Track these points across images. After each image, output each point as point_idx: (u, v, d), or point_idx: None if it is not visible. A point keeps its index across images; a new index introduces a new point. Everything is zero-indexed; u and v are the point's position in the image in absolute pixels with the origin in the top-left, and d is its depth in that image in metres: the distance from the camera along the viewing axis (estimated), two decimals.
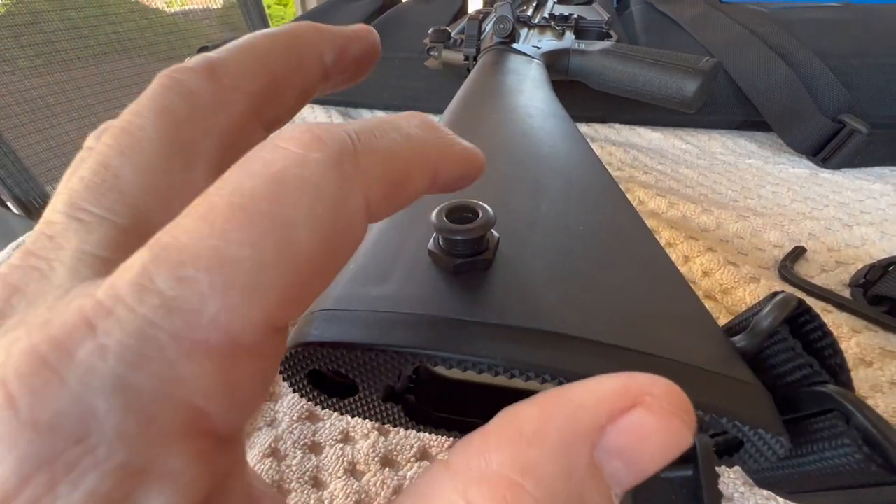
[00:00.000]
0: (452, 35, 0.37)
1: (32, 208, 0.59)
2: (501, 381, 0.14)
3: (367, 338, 0.11)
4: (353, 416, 0.14)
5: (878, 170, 0.35)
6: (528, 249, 0.14)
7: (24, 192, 0.59)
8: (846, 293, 0.23)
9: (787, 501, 0.14)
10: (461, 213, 0.12)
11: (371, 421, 0.13)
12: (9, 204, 0.57)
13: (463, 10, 0.57)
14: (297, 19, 0.50)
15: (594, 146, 0.39)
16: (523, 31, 0.38)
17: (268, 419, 0.18)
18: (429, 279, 0.12)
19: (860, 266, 0.24)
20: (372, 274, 0.13)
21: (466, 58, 0.35)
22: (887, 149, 0.35)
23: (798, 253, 0.25)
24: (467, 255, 0.12)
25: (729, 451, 0.11)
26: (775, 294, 0.12)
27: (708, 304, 0.23)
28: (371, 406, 0.13)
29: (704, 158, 0.37)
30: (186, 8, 1.02)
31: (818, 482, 0.11)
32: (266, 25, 1.13)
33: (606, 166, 0.36)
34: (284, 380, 0.13)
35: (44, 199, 0.61)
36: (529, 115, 0.23)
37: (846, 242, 0.27)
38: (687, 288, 0.13)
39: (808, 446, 0.11)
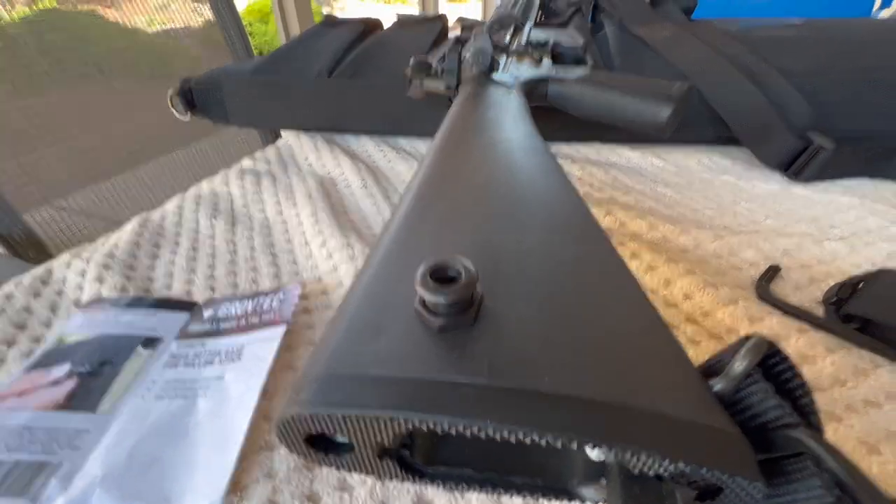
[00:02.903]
0: (433, 65, 0.38)
1: (14, 243, 0.58)
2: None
3: (360, 405, 0.11)
4: (349, 472, 0.14)
5: (846, 182, 0.37)
6: (512, 300, 0.14)
7: (4, 226, 0.58)
8: (820, 310, 0.24)
9: None
10: (445, 273, 0.13)
11: (368, 475, 0.14)
12: None
13: (443, 33, 0.58)
14: (280, 48, 0.50)
15: (575, 167, 0.41)
16: (502, 59, 0.39)
17: (265, 470, 0.18)
18: (416, 338, 0.13)
19: (832, 282, 0.26)
20: (362, 331, 0.13)
21: (448, 87, 0.35)
22: (853, 162, 0.36)
23: (773, 272, 0.26)
24: (451, 315, 0.13)
25: (709, 495, 0.12)
26: (748, 337, 0.13)
27: (690, 328, 0.24)
28: (367, 462, 0.13)
29: (682, 176, 0.39)
30: (167, 27, 1.02)
31: None
32: (246, 44, 1.12)
33: (588, 187, 0.37)
34: (281, 442, 0.13)
35: (26, 234, 0.60)
36: (511, 151, 0.23)
37: (818, 258, 0.28)
38: (666, 331, 0.14)
39: (783, 487, 0.11)
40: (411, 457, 0.14)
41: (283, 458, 0.18)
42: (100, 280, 0.28)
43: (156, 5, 0.97)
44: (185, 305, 0.26)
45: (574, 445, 0.11)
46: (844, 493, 0.11)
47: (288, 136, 0.49)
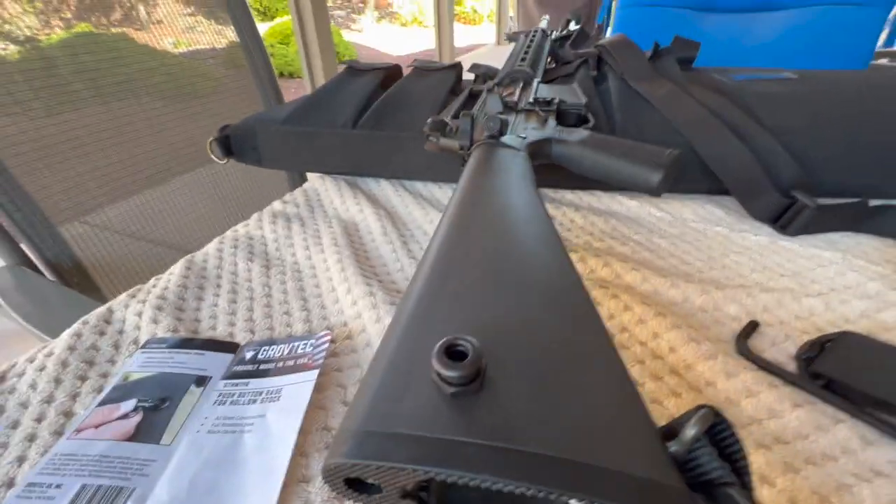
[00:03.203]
0: (448, 123, 0.42)
1: (63, 271, 0.63)
2: None
3: (389, 458, 0.15)
4: None
5: (831, 236, 0.39)
6: (510, 370, 0.17)
7: (54, 254, 0.64)
8: (793, 365, 0.27)
9: None
10: (456, 349, 0.16)
11: None
12: (41, 268, 0.61)
13: (459, 79, 0.63)
14: (309, 98, 0.55)
15: (578, 215, 0.44)
16: (511, 116, 0.43)
17: (302, 500, 0.21)
18: (433, 402, 0.16)
19: (806, 338, 0.28)
20: (390, 394, 0.17)
21: (462, 147, 0.39)
22: (837, 218, 0.39)
23: (752, 327, 0.29)
24: (461, 385, 0.16)
25: None
26: (701, 407, 0.16)
27: (673, 380, 0.27)
28: (392, 501, 0.17)
29: (676, 226, 0.42)
30: (194, 49, 1.07)
31: None
32: (268, 65, 1.16)
33: (588, 236, 0.40)
34: (326, 482, 0.17)
35: (73, 261, 0.66)
36: (516, 223, 0.27)
37: (795, 314, 0.31)
38: (638, 398, 0.17)
39: None
40: (428, 498, 0.17)
41: (318, 491, 0.22)
42: (155, 321, 0.32)
43: (183, 27, 1.03)
44: (229, 347, 0.30)
45: (554, 497, 0.14)
46: None
47: (314, 180, 0.54)
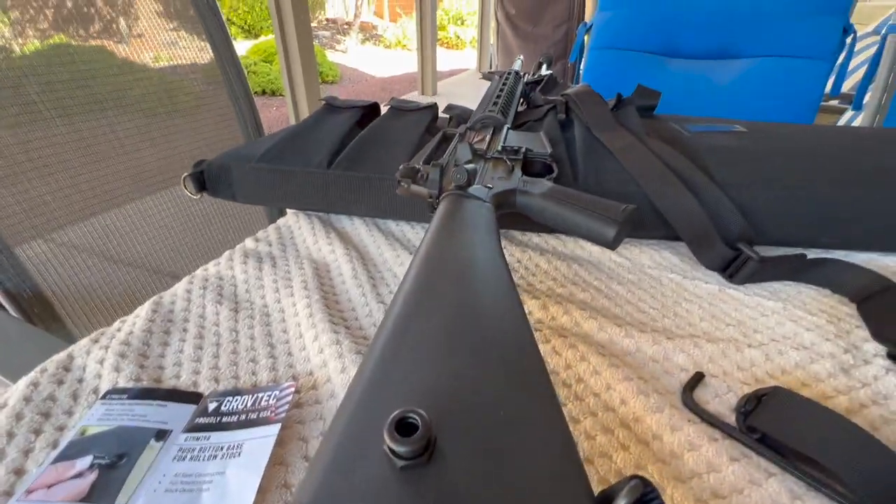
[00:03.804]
0: (420, 169, 0.44)
1: (22, 301, 0.61)
2: None
3: None
4: None
5: (774, 285, 0.42)
6: (460, 443, 0.18)
7: (14, 283, 0.62)
8: (733, 418, 0.29)
9: None
10: (407, 423, 0.17)
11: None
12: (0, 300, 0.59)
13: (434, 119, 0.65)
14: (285, 135, 0.56)
15: (542, 259, 0.46)
16: (479, 164, 0.45)
17: None
18: (384, 475, 0.17)
19: (747, 390, 0.30)
20: (341, 467, 0.18)
21: (431, 195, 0.41)
22: (779, 270, 0.42)
23: (697, 379, 0.31)
24: (411, 458, 0.17)
25: None
26: (633, 477, 0.17)
27: (623, 433, 0.28)
28: None
29: (634, 273, 0.44)
30: (174, 63, 1.06)
31: None
32: (244, 84, 1.14)
33: (552, 282, 0.42)
34: None
35: (33, 290, 0.64)
36: (477, 281, 0.28)
37: (737, 365, 0.33)
38: (580, 467, 0.18)
39: None
40: None
41: None
42: (117, 369, 0.32)
43: (164, 42, 1.02)
44: (192, 397, 0.30)
45: None
46: None
47: (288, 217, 0.54)
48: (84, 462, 0.26)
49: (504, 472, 0.18)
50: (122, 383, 0.31)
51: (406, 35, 7.47)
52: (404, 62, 6.59)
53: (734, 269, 0.42)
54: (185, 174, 0.53)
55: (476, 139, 0.52)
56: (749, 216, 0.44)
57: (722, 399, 0.30)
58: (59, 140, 0.78)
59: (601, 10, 1.16)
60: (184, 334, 0.36)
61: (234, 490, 0.24)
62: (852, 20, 0.97)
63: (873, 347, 0.34)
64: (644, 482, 0.17)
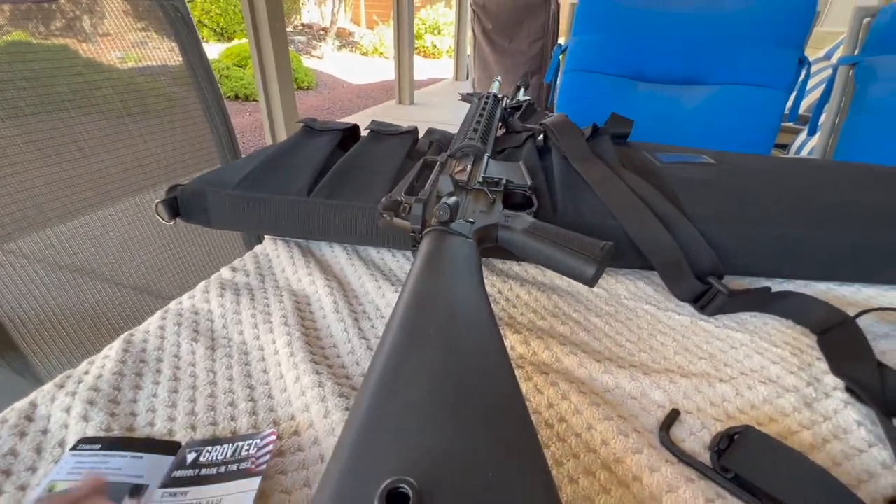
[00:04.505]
0: (402, 201, 0.44)
1: None
2: None
3: None
4: None
5: (743, 315, 0.44)
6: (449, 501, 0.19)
7: None
8: (707, 456, 0.30)
9: None
10: (398, 491, 0.17)
11: None
12: None
13: (415, 142, 0.66)
14: (263, 161, 0.55)
15: (523, 290, 0.47)
16: (461, 197, 0.45)
17: None
18: None
19: (720, 427, 0.32)
20: None
21: (413, 230, 0.41)
22: (746, 302, 0.44)
23: (673, 417, 0.32)
24: None
25: None
26: None
27: (604, 475, 0.29)
28: None
29: (611, 304, 0.45)
30: (143, 65, 1.02)
31: None
32: (214, 87, 1.11)
33: (532, 314, 0.43)
34: None
35: None
36: (462, 328, 0.28)
37: (710, 401, 0.34)
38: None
39: None
40: None
41: None
42: (85, 419, 0.30)
43: (133, 41, 0.98)
44: (170, 447, 0.29)
45: None
46: None
47: (266, 244, 0.53)
48: None
49: None
50: (90, 434, 0.30)
51: (383, 43, 7.48)
52: (381, 70, 6.59)
53: (705, 301, 0.44)
54: (158, 201, 0.51)
55: (457, 168, 0.52)
56: (716, 248, 0.46)
57: (696, 437, 0.31)
58: (11, 142, 0.74)
59: (575, 35, 1.19)
60: (157, 376, 0.35)
61: None
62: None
63: (832, 381, 0.36)
64: None
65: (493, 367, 0.26)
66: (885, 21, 0.97)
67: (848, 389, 0.35)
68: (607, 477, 0.29)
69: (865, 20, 1.03)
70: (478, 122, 0.64)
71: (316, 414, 0.31)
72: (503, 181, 0.48)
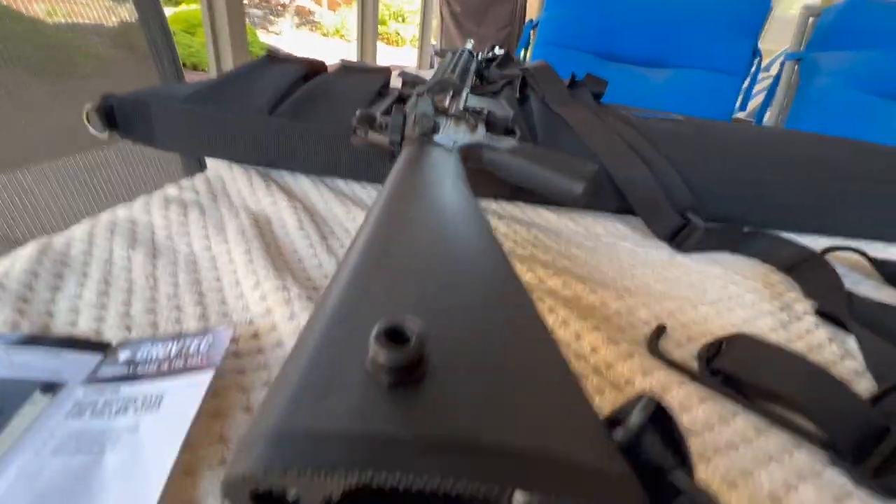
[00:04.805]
0: (378, 118, 0.40)
1: None
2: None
3: (311, 463, 0.12)
4: None
5: (716, 255, 0.45)
6: (451, 358, 0.16)
7: None
8: (696, 364, 0.29)
9: None
10: (398, 333, 0.14)
11: None
12: None
13: (387, 84, 0.62)
14: (219, 79, 0.49)
15: (501, 223, 0.44)
16: (441, 120, 0.42)
17: None
18: (367, 395, 0.14)
19: (704, 341, 0.31)
20: (312, 389, 0.14)
21: (392, 143, 0.38)
22: (719, 240, 0.44)
23: (660, 330, 0.31)
24: (402, 373, 0.14)
25: None
26: (642, 396, 0.16)
27: (596, 378, 0.27)
28: None
29: (591, 240, 0.44)
30: (72, 21, 0.92)
31: None
32: (172, 50, 1.03)
33: (512, 244, 0.41)
34: (226, 500, 0.13)
35: None
36: (450, 215, 0.26)
37: (694, 320, 0.34)
38: (580, 391, 0.17)
39: None
40: None
41: None
42: None
43: None
44: (96, 346, 0.24)
45: (503, 491, 0.12)
46: None
47: (218, 166, 0.48)
48: None
49: (505, 391, 0.15)
50: None
51: (345, 25, 7.25)
52: (341, 52, 6.38)
53: (681, 238, 0.44)
54: (89, 106, 0.44)
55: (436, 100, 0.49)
56: (694, 192, 0.46)
57: (684, 348, 0.31)
58: None
59: (547, 10, 1.19)
60: (83, 279, 0.29)
61: (149, 448, 0.19)
62: (768, 43, 1.09)
63: (802, 307, 0.37)
64: (657, 402, 0.16)
65: (483, 245, 0.23)
66: (829, 20, 1.05)
67: (818, 312, 0.36)
68: (600, 380, 0.27)
69: (811, 19, 1.10)
70: (454, 69, 0.61)
71: (280, 317, 0.27)
72: (485, 110, 0.46)
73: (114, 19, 0.97)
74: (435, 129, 0.37)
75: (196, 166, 0.89)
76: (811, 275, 0.39)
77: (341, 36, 7.21)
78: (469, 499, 0.14)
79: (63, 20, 0.89)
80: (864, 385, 0.29)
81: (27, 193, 0.77)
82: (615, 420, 0.16)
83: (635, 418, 0.15)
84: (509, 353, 0.17)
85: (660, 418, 0.16)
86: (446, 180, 0.29)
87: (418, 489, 0.13)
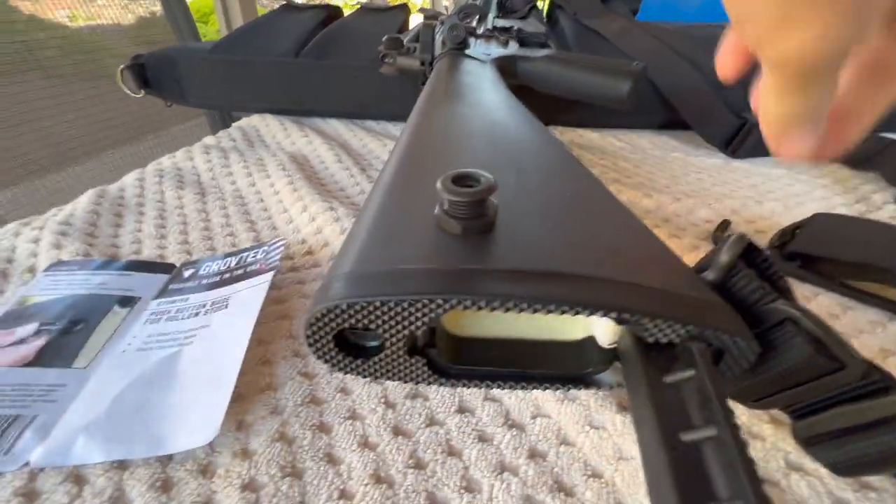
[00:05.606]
0: (405, 43, 0.39)
1: None
2: (509, 332, 0.15)
3: (390, 291, 0.12)
4: (377, 379, 0.14)
5: (773, 159, 0.42)
6: (521, 213, 0.15)
7: None
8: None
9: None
10: (464, 182, 0.14)
11: (396, 381, 0.14)
12: None
13: (405, 23, 0.59)
14: (240, 28, 0.49)
15: None
16: (471, 40, 0.40)
17: (270, 408, 0.17)
18: (437, 241, 0.13)
19: (773, 232, 0.29)
20: (383, 240, 0.14)
21: (422, 63, 0.36)
22: None
23: (725, 225, 0.29)
24: (472, 219, 0.13)
25: (713, 362, 0.13)
26: (729, 236, 0.14)
27: None
28: (396, 363, 0.14)
29: (637, 153, 0.42)
30: (93, 23, 0.94)
31: (778, 384, 0.14)
32: (197, 38, 1.07)
33: None
34: (310, 346, 0.13)
35: None
36: (496, 108, 0.24)
37: (760, 215, 0.31)
38: (656, 238, 0.16)
39: (769, 353, 0.13)
40: (438, 355, 0.14)
41: (289, 395, 0.18)
42: (57, 246, 0.26)
43: None
44: (163, 267, 0.25)
45: (599, 315, 0.12)
46: (820, 346, 0.13)
47: (252, 118, 0.48)
48: (27, 329, 0.20)
49: (583, 236, 0.15)
50: (66, 259, 0.25)
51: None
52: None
53: (737, 143, 0.41)
54: (122, 66, 0.45)
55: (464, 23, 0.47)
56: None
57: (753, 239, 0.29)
58: None
59: None
60: (140, 217, 0.30)
61: (223, 339, 0.20)
62: None
63: (881, 197, 0.34)
64: (747, 238, 0.15)
65: (535, 131, 0.22)
66: None
67: None
68: None
69: None
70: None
71: (331, 233, 0.27)
72: (515, 27, 0.44)
73: (130, 17, 0.99)
74: (466, 43, 0.36)
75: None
76: (893, 160, 0.36)
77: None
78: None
79: (83, 23, 0.90)
80: None
81: (65, 193, 0.80)
82: (703, 267, 0.15)
83: (725, 255, 0.14)
84: (578, 212, 0.16)
85: (753, 257, 0.15)
86: (485, 83, 0.28)
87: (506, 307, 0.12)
